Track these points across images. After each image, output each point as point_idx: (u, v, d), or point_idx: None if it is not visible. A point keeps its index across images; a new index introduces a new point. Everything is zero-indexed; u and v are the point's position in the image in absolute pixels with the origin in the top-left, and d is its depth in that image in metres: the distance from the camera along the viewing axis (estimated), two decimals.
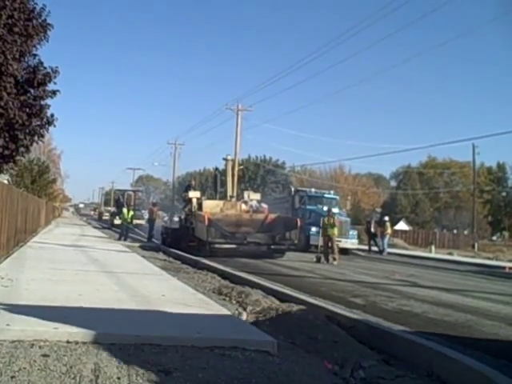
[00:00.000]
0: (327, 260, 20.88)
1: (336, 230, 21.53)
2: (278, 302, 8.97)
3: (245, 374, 4.67)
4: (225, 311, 7.50)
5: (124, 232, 28.83)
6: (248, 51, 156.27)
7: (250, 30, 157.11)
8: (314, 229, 26.89)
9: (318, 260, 21.00)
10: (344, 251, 26.37)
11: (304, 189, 34.09)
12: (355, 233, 29.77)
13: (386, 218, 33.31)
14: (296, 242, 23.62)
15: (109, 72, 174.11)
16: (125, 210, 29.95)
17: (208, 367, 4.73)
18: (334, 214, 22.96)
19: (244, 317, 7.57)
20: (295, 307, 7.84)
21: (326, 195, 31.70)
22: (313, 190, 32.63)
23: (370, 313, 8.79)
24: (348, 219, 29.74)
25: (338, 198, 32.64)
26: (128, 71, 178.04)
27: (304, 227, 26.28)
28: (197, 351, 5.14)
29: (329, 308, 8.13)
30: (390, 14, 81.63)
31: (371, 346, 6.28)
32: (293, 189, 33.12)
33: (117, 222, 35.19)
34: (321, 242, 22.19)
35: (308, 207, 29.82)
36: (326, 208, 27.50)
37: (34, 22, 15.66)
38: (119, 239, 27.64)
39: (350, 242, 28.41)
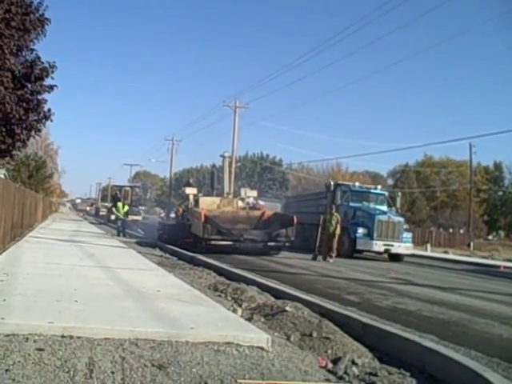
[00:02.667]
0: (324, 258, 20.91)
1: (338, 229, 21.53)
2: (273, 299, 9.00)
3: (239, 369, 4.69)
4: (220, 307, 7.51)
5: (120, 227, 28.81)
6: (246, 48, 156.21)
7: (248, 26, 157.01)
8: (360, 230, 23.87)
9: (314, 258, 21.04)
10: (395, 257, 23.95)
11: (346, 183, 29.46)
12: (409, 235, 25.46)
13: None
14: (293, 239, 23.67)
15: (107, 67, 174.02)
16: (119, 204, 29.87)
17: (202, 363, 4.75)
18: (337, 211, 22.60)
19: (239, 313, 7.59)
20: (290, 304, 7.86)
21: (372, 190, 27.44)
22: (357, 184, 28.26)
23: (365, 310, 8.81)
24: (401, 219, 25.51)
25: (386, 193, 28.24)
26: (126, 66, 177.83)
27: (348, 228, 23.73)
28: (191, 347, 5.16)
29: (323, 305, 8.15)
30: (388, 13, 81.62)
31: (365, 343, 6.30)
32: (332, 183, 28.09)
33: (113, 217, 35.15)
34: (330, 240, 21.90)
35: (351, 204, 25.63)
36: (372, 205, 25.59)
37: (32, 16, 15.66)
38: (118, 235, 27.62)
39: (404, 247, 24.43)
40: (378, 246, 23.59)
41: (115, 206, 31.49)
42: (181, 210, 27.49)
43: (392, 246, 23.54)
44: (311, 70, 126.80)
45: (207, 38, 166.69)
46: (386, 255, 24.42)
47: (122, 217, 29.07)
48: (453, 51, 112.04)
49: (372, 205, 25.68)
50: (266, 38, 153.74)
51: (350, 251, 23.51)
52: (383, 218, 24.17)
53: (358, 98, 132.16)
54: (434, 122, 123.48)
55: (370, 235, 23.60)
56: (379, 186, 28.24)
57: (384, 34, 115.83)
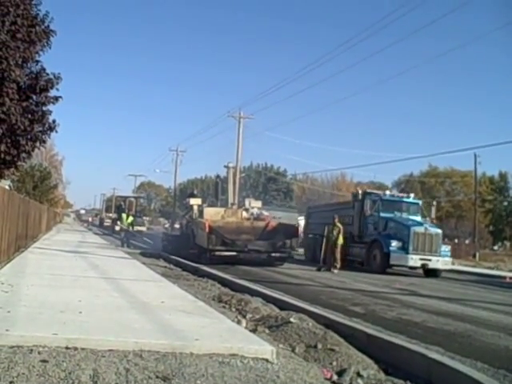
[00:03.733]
0: (329, 269, 20.86)
1: (341, 239, 21.44)
2: (277, 310, 8.99)
3: (243, 381, 4.67)
4: (224, 318, 7.49)
5: (124, 238, 28.83)
6: (251, 59, 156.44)
7: (252, 38, 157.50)
8: (394, 243, 21.56)
9: (319, 269, 20.99)
10: (431, 273, 21.93)
11: (375, 191, 27.12)
12: (448, 249, 23.06)
13: None
14: (297, 249, 23.69)
15: (111, 78, 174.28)
16: (124, 215, 29.96)
17: (207, 374, 4.73)
18: (339, 222, 22.29)
19: (243, 324, 7.57)
20: (294, 315, 7.83)
21: (405, 199, 24.94)
22: (388, 192, 26.23)
23: (370, 321, 8.78)
24: (439, 231, 22.90)
25: (420, 203, 25.92)
26: (130, 77, 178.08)
27: (379, 241, 22.16)
28: (195, 358, 5.14)
29: (328, 316, 8.13)
30: (391, 24, 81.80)
31: (370, 354, 6.28)
32: (360, 191, 25.74)
33: (118, 228, 35.24)
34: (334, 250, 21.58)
35: (382, 215, 23.27)
36: (405, 215, 23.46)
37: (37, 28, 15.72)
38: (122, 246, 27.64)
39: (443, 261, 22.09)
40: (414, 260, 21.42)
41: (120, 216, 31.56)
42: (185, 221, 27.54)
43: (429, 260, 21.56)
44: (315, 80, 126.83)
45: (212, 49, 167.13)
46: (420, 271, 22.42)
47: (126, 228, 29.10)
48: (456, 61, 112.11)
49: (405, 215, 23.58)
50: (270, 48, 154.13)
51: (383, 266, 21.69)
52: (419, 229, 22.00)
53: (362, 108, 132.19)
54: (439, 133, 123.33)
55: (404, 249, 21.46)
56: (412, 195, 25.95)
57: (387, 45, 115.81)
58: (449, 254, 22.73)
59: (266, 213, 26.12)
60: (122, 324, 6.26)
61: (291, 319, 7.52)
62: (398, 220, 22.95)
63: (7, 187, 21.17)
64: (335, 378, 5.41)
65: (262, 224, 23.57)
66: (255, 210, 25.22)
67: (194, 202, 25.79)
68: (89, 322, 6.25)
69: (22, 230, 17.63)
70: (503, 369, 6.10)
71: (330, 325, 7.42)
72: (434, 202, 28.66)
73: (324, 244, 21.92)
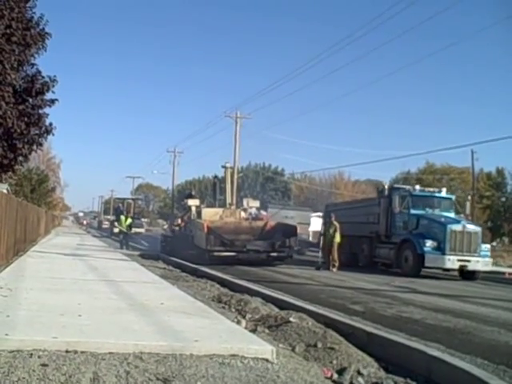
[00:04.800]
0: (328, 267, 20.85)
1: (338, 237, 21.39)
2: (277, 310, 8.99)
3: (244, 382, 4.67)
4: (224, 319, 7.49)
5: (123, 240, 28.81)
6: (247, 58, 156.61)
7: (248, 37, 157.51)
8: (429, 243, 19.62)
9: (318, 268, 21.00)
10: (469, 275, 20.12)
11: (404, 186, 24.62)
12: (487, 248, 20.96)
13: None
14: (296, 249, 23.65)
15: (107, 80, 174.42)
16: (122, 218, 29.95)
17: (207, 375, 4.73)
18: (335, 221, 22.07)
19: (243, 324, 7.57)
20: (294, 314, 7.84)
21: (436, 194, 22.81)
22: (417, 187, 23.28)
23: (369, 319, 8.79)
24: (478, 228, 20.90)
25: (453, 198, 23.62)
26: (126, 79, 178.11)
27: (411, 241, 20.33)
28: (196, 359, 5.14)
29: (328, 315, 8.14)
30: (388, 20, 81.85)
31: (370, 352, 6.28)
32: (386, 186, 23.82)
33: (116, 230, 35.23)
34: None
35: (413, 212, 21.21)
36: (437, 212, 21.61)
37: (32, 31, 15.74)
38: (121, 248, 27.63)
39: (483, 262, 20.04)
40: (452, 261, 19.50)
41: (118, 219, 31.55)
42: (180, 221, 27.54)
43: (468, 261, 19.64)
44: (312, 79, 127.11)
45: (208, 49, 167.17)
46: (456, 273, 20.83)
47: (125, 230, 29.09)
48: (453, 58, 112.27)
49: (437, 211, 21.63)
50: (266, 48, 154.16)
51: (417, 269, 19.84)
52: (457, 227, 20.00)
53: (359, 106, 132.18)
54: (436, 130, 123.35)
55: (440, 249, 19.55)
56: (444, 189, 23.74)
57: (384, 43, 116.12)
58: (488, 253, 20.81)
59: (264, 212, 26.15)
60: (122, 326, 6.26)
61: (291, 318, 7.53)
62: (431, 217, 21.02)
63: (5, 191, 21.15)
64: (335, 376, 5.41)
65: (260, 224, 23.61)
66: (253, 210, 25.24)
67: (192, 202, 25.82)
68: (88, 324, 6.24)
69: (20, 234, 17.61)
70: (503, 364, 6.11)
71: (329, 323, 7.43)
72: (469, 197, 27.04)
73: (321, 242, 21.94)
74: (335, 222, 21.67)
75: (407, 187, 23.45)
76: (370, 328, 7.22)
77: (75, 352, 5.08)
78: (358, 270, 21.57)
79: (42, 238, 30.01)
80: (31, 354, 4.90)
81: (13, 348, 5.01)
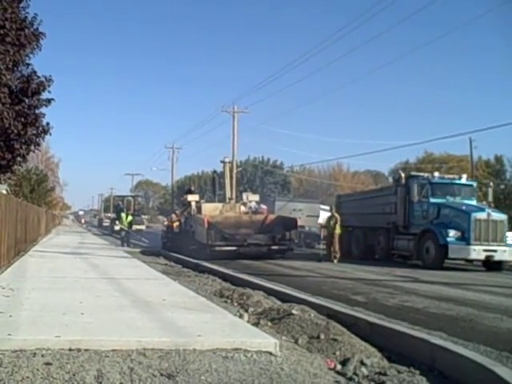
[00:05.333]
0: (330, 259, 20.87)
1: (338, 229, 21.42)
2: (279, 303, 8.99)
3: (247, 375, 4.68)
4: (226, 313, 7.50)
5: (124, 238, 28.84)
6: (242, 52, 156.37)
7: (243, 31, 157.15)
8: (452, 233, 18.59)
9: (320, 260, 21.02)
10: (495, 266, 19.13)
11: (422, 174, 23.15)
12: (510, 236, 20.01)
13: None
14: (296, 241, 23.66)
15: (103, 78, 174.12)
16: (123, 215, 29.98)
17: (211, 370, 4.73)
18: (335, 212, 22.13)
19: (245, 318, 7.58)
20: (296, 307, 7.84)
21: (457, 181, 21.64)
22: (436, 174, 22.12)
23: (372, 310, 8.80)
24: (504, 216, 19.74)
25: (475, 184, 22.58)
26: (122, 76, 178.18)
27: (432, 231, 19.31)
28: (199, 354, 5.15)
29: (330, 306, 8.14)
30: (382, 11, 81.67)
31: (373, 342, 6.28)
32: (403, 174, 22.47)
33: (117, 228, 35.27)
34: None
35: (433, 200, 20.24)
36: (458, 200, 20.54)
37: (26, 31, 15.69)
38: (122, 245, 27.65)
39: (510, 252, 19.02)
40: (477, 252, 18.57)
41: (118, 216, 31.58)
42: (174, 217, 27.59)
43: (495, 251, 18.62)
44: (308, 71, 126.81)
45: (202, 44, 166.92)
46: (479, 263, 19.97)
47: (126, 227, 29.10)
48: (449, 46, 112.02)
49: (458, 199, 20.58)
50: (261, 41, 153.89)
51: (439, 261, 18.82)
52: (481, 215, 19.00)
53: (356, 97, 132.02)
54: (434, 119, 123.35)
55: (465, 239, 18.57)
56: (464, 175, 22.36)
57: (379, 33, 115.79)
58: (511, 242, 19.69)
59: (263, 206, 26.14)
60: (125, 323, 6.27)
61: (293, 311, 7.53)
62: (453, 206, 19.99)
63: (4, 192, 21.15)
64: (339, 367, 5.41)
65: (260, 217, 23.61)
66: (253, 204, 25.24)
67: (192, 198, 25.80)
68: (91, 322, 6.25)
69: (21, 234, 17.61)
70: (506, 351, 6.11)
71: (332, 315, 7.43)
72: (491, 183, 25.54)
73: (322, 233, 21.98)
74: (336, 214, 21.72)
75: (425, 175, 22.34)
76: (372, 318, 7.23)
77: (78, 350, 5.08)
78: (359, 261, 21.53)
79: (42, 238, 30.01)
80: (34, 354, 4.91)
81: (16, 348, 5.01)
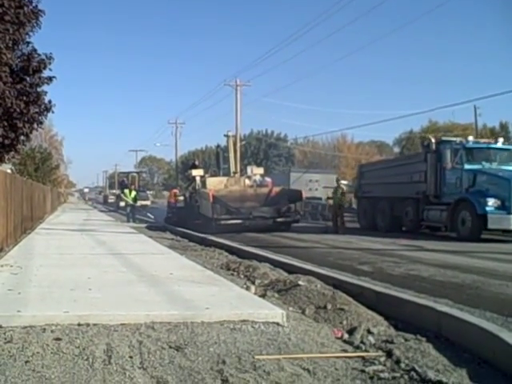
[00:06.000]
0: (336, 230, 20.93)
1: (344, 199, 21.48)
2: (285, 274, 9.03)
3: (255, 346, 4.72)
4: (233, 286, 7.55)
5: (130, 214, 28.93)
6: (244, 25, 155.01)
7: (245, 2, 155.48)
8: (491, 202, 17.00)
9: (325, 231, 21.08)
10: None
11: (454, 139, 21.19)
12: None
13: None
14: (302, 213, 23.69)
15: (105, 55, 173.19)
16: (126, 191, 30.03)
17: (219, 341, 4.78)
18: (342, 183, 22.03)
19: (252, 290, 7.63)
20: (303, 278, 7.88)
21: (493, 145, 19.86)
22: (470, 138, 20.52)
23: (378, 279, 8.82)
24: None
25: None
26: (124, 52, 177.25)
27: (468, 200, 17.84)
28: (207, 327, 5.20)
29: (336, 277, 8.18)
30: None
31: (380, 311, 6.32)
32: (433, 140, 20.54)
33: (122, 204, 35.39)
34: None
35: (468, 167, 18.55)
36: (495, 166, 18.88)
37: (26, 9, 15.50)
38: (128, 221, 27.74)
39: None
40: None
41: (123, 192, 31.65)
42: (173, 193, 27.71)
43: None
44: (310, 43, 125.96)
45: (204, 19, 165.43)
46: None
47: (130, 203, 29.17)
48: (450, 15, 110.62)
49: (494, 165, 18.90)
50: (263, 13, 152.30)
51: (477, 232, 17.35)
52: None
53: (359, 68, 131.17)
54: (437, 87, 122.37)
55: (505, 208, 16.94)
56: (501, 139, 20.34)
57: (380, 2, 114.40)
58: None
59: (268, 179, 26.11)
60: (133, 298, 6.32)
61: (300, 282, 7.57)
62: (491, 172, 18.34)
63: (9, 171, 21.19)
64: (346, 336, 5.45)
65: (265, 190, 23.63)
66: (257, 177, 25.22)
67: (196, 173, 25.78)
68: (99, 298, 6.31)
69: (27, 212, 17.70)
70: None
71: (338, 285, 7.46)
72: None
73: (328, 205, 22.04)
74: (342, 185, 21.76)
75: (458, 139, 20.59)
76: (378, 287, 7.26)
77: (87, 325, 5.14)
78: (364, 232, 21.55)
79: (48, 216, 30.15)
80: (44, 329, 4.97)
81: (26, 324, 5.08)
